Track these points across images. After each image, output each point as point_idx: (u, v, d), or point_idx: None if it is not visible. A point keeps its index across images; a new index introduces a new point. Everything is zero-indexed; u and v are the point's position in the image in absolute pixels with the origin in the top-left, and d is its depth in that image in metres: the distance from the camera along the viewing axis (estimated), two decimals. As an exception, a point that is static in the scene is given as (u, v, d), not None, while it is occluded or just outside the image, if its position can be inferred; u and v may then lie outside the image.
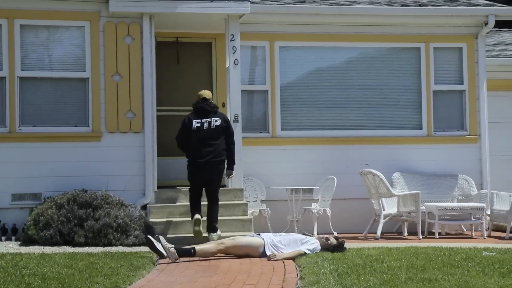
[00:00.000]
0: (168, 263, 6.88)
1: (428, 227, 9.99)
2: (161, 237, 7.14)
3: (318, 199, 10.21)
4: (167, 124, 10.10)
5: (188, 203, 8.88)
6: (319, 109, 10.71)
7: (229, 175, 8.73)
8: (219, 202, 8.61)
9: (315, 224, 9.83)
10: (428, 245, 8.09)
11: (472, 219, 9.91)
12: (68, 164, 9.16)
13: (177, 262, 6.94)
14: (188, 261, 7.02)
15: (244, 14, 9.58)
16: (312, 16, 10.52)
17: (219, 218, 8.78)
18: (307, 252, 7.27)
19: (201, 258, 7.14)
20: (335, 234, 9.54)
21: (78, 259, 6.89)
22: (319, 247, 7.45)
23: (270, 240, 7.37)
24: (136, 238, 8.26)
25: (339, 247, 7.49)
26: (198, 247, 7.13)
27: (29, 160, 9.11)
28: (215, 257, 7.26)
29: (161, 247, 7.04)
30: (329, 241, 7.52)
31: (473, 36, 11.00)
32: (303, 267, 6.41)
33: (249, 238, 7.43)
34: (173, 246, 7.07)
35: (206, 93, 8.60)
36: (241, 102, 9.66)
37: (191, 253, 7.07)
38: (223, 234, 8.39)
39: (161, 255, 7.05)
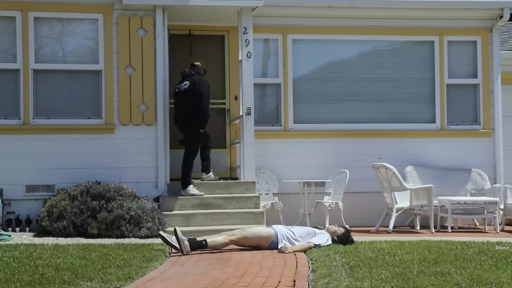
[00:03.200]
0: (180, 256, 6.91)
1: (441, 221, 9.96)
2: (177, 229, 7.14)
3: (330, 192, 10.21)
4: (179, 116, 10.11)
5: (201, 193, 9.04)
6: (332, 102, 10.69)
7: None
8: (233, 195, 8.97)
9: (327, 218, 9.83)
10: (440, 239, 8.07)
11: (485, 213, 9.86)
12: (81, 156, 9.22)
13: (190, 255, 6.96)
14: (201, 253, 7.04)
15: (257, 6, 9.57)
16: (325, 9, 10.49)
17: (231, 210, 8.97)
18: (317, 243, 7.27)
19: (213, 251, 7.15)
20: (347, 227, 9.55)
21: (91, 250, 6.94)
22: (330, 240, 7.45)
23: (283, 232, 7.38)
24: (149, 230, 8.30)
25: (346, 234, 7.50)
26: (209, 239, 7.16)
27: (43, 152, 9.18)
28: (227, 249, 7.28)
29: (175, 240, 7.05)
30: (336, 231, 7.55)
31: (488, 29, 10.92)
32: (315, 260, 6.41)
33: (259, 228, 7.45)
34: (186, 239, 7.10)
35: (194, 62, 9.32)
36: (253, 95, 9.66)
37: (203, 245, 7.09)
38: (234, 227, 8.41)
39: (175, 248, 7.06)
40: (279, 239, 7.30)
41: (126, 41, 9.40)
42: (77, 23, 9.48)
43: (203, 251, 7.13)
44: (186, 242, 7.01)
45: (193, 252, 7.03)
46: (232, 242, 7.28)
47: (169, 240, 7.07)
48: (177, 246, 7.02)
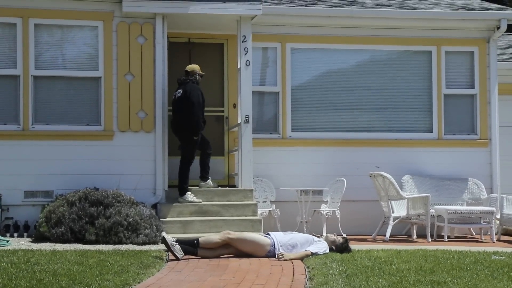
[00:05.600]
0: (178, 262, 6.93)
1: (438, 230, 9.99)
2: (166, 236, 7.16)
3: (327, 201, 10.24)
4: (178, 124, 10.14)
5: (198, 201, 9.07)
6: (330, 111, 10.74)
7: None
8: (231, 202, 9.03)
9: (324, 226, 9.86)
10: (437, 248, 8.10)
11: (482, 223, 9.90)
12: (80, 162, 9.24)
13: (187, 260, 6.98)
14: (198, 260, 7.05)
15: (256, 15, 9.63)
16: (324, 18, 10.55)
17: (229, 218, 8.99)
18: (314, 252, 7.28)
19: (211, 259, 7.14)
20: (344, 235, 9.57)
21: (88, 256, 6.95)
22: (327, 248, 7.47)
23: (280, 240, 7.38)
24: (146, 236, 8.31)
25: (345, 244, 7.50)
26: (202, 239, 7.16)
27: (42, 158, 9.21)
28: (224, 257, 7.28)
29: (177, 249, 7.05)
30: (335, 240, 7.55)
31: (485, 40, 10.99)
32: (312, 268, 6.43)
33: (256, 235, 7.43)
34: (177, 243, 7.09)
35: (188, 67, 9.33)
36: (252, 103, 9.70)
37: (194, 244, 7.09)
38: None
39: (176, 258, 7.06)
40: (276, 248, 7.30)
41: (126, 48, 9.45)
42: (77, 30, 9.52)
43: (198, 258, 7.14)
44: (178, 246, 7.01)
45: (191, 258, 7.05)
46: (226, 241, 7.21)
47: (172, 249, 7.03)
48: (179, 256, 7.03)
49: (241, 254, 7.31)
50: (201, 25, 10.12)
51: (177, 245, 7.07)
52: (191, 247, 7.15)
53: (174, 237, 7.25)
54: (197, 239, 7.15)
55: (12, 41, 9.29)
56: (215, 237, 7.26)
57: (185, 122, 9.05)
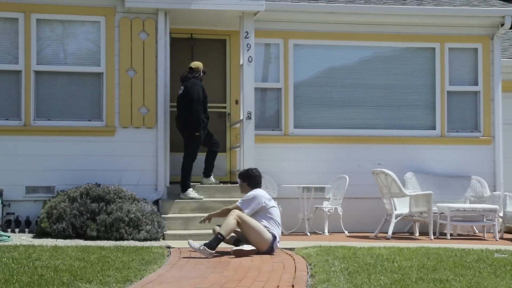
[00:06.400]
0: (179, 258, 6.92)
1: (440, 228, 9.96)
2: (190, 241, 7.12)
3: (329, 198, 10.21)
4: (180, 120, 10.11)
5: (200, 197, 9.03)
6: (332, 107, 10.70)
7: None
8: (233, 199, 8.83)
9: (326, 223, 9.84)
10: (439, 246, 8.07)
11: (485, 220, 9.86)
12: (81, 158, 9.23)
13: (188, 256, 6.97)
14: (200, 257, 7.04)
15: (259, 11, 9.60)
16: (327, 14, 10.51)
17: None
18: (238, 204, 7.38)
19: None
20: (346, 233, 9.56)
21: (90, 252, 6.94)
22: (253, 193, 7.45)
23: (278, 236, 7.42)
24: (148, 233, 8.30)
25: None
26: (222, 231, 7.07)
27: (43, 153, 9.20)
28: (226, 254, 7.27)
29: (206, 252, 7.00)
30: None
31: (489, 37, 10.94)
32: (314, 265, 6.42)
33: (263, 228, 7.38)
34: (203, 247, 6.98)
35: (192, 63, 9.36)
36: (254, 99, 9.68)
37: (220, 240, 7.05)
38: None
39: (207, 257, 7.01)
40: (276, 243, 7.31)
41: (128, 44, 9.42)
42: (79, 25, 9.50)
43: (202, 256, 7.13)
44: (203, 247, 6.95)
45: (192, 255, 7.04)
46: (238, 221, 7.19)
47: (199, 250, 7.01)
48: (211, 252, 6.99)
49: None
50: (203, 21, 10.09)
51: (205, 247, 6.97)
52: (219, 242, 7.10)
53: (200, 242, 7.13)
54: (219, 233, 7.08)
55: (14, 36, 9.27)
56: (230, 222, 7.15)
57: (187, 119, 9.04)
